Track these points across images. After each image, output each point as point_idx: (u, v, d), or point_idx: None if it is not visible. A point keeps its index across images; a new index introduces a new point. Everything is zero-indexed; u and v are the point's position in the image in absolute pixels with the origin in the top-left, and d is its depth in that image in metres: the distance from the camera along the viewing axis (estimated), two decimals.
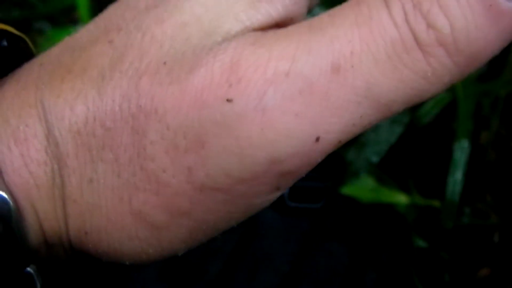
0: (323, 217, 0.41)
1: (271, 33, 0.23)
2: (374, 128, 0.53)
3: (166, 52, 0.23)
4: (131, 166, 0.23)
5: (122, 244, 0.24)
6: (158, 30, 0.23)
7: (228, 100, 0.21)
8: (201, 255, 0.37)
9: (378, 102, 0.21)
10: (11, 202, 0.23)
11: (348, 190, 0.53)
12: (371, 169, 0.53)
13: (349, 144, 0.37)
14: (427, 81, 0.21)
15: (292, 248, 0.39)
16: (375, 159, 0.53)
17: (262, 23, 0.23)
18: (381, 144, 0.53)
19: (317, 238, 0.40)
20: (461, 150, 0.51)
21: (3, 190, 0.23)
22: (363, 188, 0.53)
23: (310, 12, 0.26)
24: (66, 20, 0.60)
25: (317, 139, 0.22)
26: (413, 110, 0.53)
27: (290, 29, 0.22)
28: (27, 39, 0.27)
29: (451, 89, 0.52)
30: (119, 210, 0.23)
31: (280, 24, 0.24)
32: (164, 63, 0.22)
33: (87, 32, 0.25)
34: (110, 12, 0.25)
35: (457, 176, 0.51)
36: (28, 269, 0.23)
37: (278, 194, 0.23)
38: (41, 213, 0.24)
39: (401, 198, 0.53)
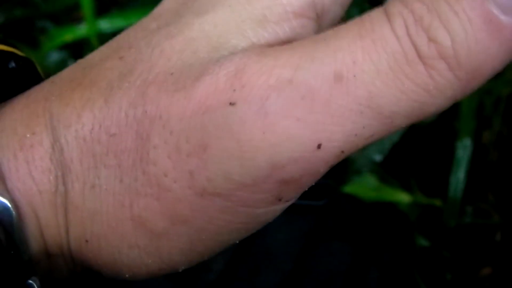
0: (326, 215, 0.41)
1: (277, 46, 0.23)
2: None
3: (173, 64, 0.23)
4: (133, 171, 0.23)
5: (122, 253, 0.24)
6: (167, 45, 0.24)
7: (231, 104, 0.22)
8: None
9: (380, 113, 0.22)
10: (12, 209, 0.23)
11: (350, 188, 0.53)
12: (373, 167, 0.53)
13: None
14: (429, 94, 0.22)
15: (295, 246, 0.39)
16: (378, 157, 0.53)
17: (269, 41, 0.24)
18: (384, 142, 0.53)
19: (320, 236, 0.40)
20: (464, 149, 0.52)
21: (5, 197, 0.23)
22: (365, 186, 0.53)
23: None
24: (69, 19, 0.60)
25: (319, 146, 0.22)
26: None
27: (295, 42, 0.23)
28: (34, 61, 0.27)
29: None
30: (120, 216, 0.23)
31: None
32: (172, 73, 0.23)
33: (99, 53, 0.25)
34: (123, 34, 0.26)
35: (460, 174, 0.51)
36: (30, 281, 0.23)
37: (280, 206, 0.23)
38: (42, 220, 0.24)
39: (403, 197, 0.53)
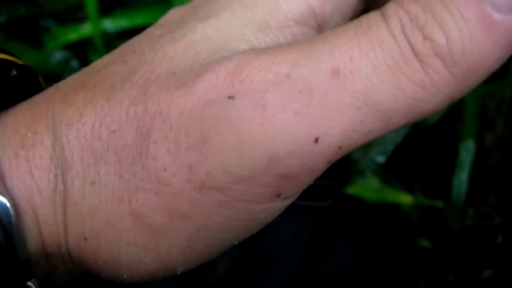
0: (331, 216, 0.41)
1: (276, 46, 0.24)
2: None
3: (176, 64, 0.24)
4: (133, 166, 0.23)
5: (120, 251, 0.24)
6: (170, 48, 0.24)
7: (230, 97, 0.22)
8: None
9: (377, 109, 0.22)
10: (11, 208, 0.23)
11: (353, 189, 0.53)
12: (376, 169, 0.53)
13: None
14: (426, 92, 0.22)
15: (300, 247, 0.39)
16: (381, 159, 0.53)
17: (269, 44, 0.24)
18: (387, 144, 0.53)
19: (325, 237, 0.40)
20: (467, 151, 0.52)
21: (4, 196, 0.23)
22: (368, 188, 0.53)
23: None
24: (72, 18, 0.60)
25: (316, 140, 0.22)
26: None
27: (294, 43, 0.24)
28: (35, 70, 0.28)
29: None
30: (119, 212, 0.24)
31: None
32: (173, 73, 0.23)
33: (103, 60, 0.26)
34: (127, 42, 0.26)
35: (462, 176, 0.51)
36: (29, 283, 0.24)
37: (279, 204, 0.23)
38: (41, 217, 0.24)
39: (406, 199, 0.53)
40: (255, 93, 0.22)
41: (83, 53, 0.58)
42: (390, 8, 0.23)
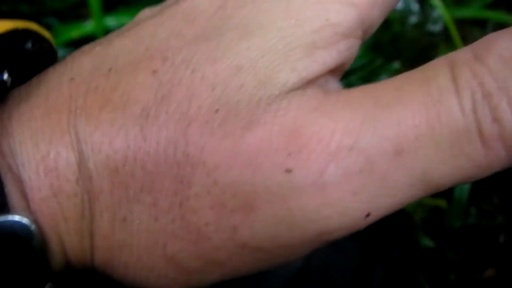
0: None
1: (334, 98, 0.22)
2: None
3: (218, 98, 0.22)
4: (170, 213, 0.22)
5: (149, 280, 0.23)
6: (210, 71, 0.22)
7: (287, 171, 0.21)
8: None
9: (429, 185, 0.22)
10: (35, 231, 0.22)
11: None
12: None
13: None
14: (479, 170, 0.22)
15: None
16: None
17: (318, 73, 0.23)
18: None
19: None
20: None
21: (28, 218, 0.22)
22: None
23: None
24: (74, 16, 0.60)
25: (367, 215, 0.22)
26: None
27: (355, 97, 0.22)
28: (49, 37, 0.25)
29: None
30: (152, 253, 0.23)
31: (333, 71, 0.23)
32: (216, 111, 0.21)
33: (123, 49, 0.23)
34: (148, 29, 0.24)
35: None
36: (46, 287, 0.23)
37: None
38: (67, 244, 0.23)
39: None
40: (315, 169, 0.21)
41: None
42: (463, 75, 0.21)
